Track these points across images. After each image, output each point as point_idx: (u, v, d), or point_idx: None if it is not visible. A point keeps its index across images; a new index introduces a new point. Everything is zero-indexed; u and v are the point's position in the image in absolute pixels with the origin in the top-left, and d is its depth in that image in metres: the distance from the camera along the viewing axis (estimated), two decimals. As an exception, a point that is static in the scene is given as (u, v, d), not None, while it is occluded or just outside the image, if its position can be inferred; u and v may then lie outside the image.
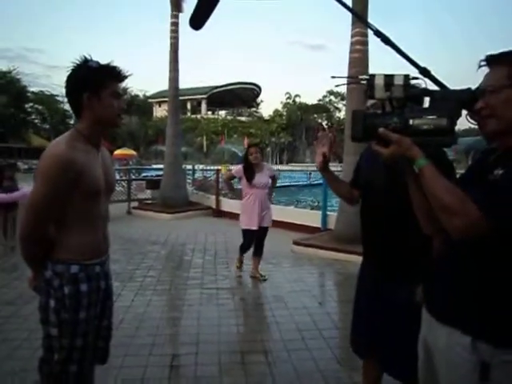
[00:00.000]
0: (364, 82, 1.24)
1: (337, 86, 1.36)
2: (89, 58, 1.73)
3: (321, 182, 8.53)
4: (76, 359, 1.74)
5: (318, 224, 7.94)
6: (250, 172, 4.98)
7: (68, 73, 1.73)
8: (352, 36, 6.70)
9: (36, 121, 44.55)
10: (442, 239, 1.34)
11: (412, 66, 1.46)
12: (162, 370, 3.00)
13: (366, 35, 6.66)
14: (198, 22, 1.83)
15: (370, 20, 6.60)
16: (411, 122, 1.17)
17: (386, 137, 1.18)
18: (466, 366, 1.22)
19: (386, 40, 1.53)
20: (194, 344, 3.41)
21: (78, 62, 1.72)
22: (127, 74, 1.79)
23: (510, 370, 1.18)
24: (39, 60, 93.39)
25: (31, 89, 41.11)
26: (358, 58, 6.61)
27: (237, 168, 5.34)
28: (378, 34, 1.54)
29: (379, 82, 1.20)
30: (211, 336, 3.56)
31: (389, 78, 1.20)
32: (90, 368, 1.91)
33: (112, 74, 1.74)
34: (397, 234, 1.90)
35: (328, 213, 7.94)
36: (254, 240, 5.15)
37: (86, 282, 1.75)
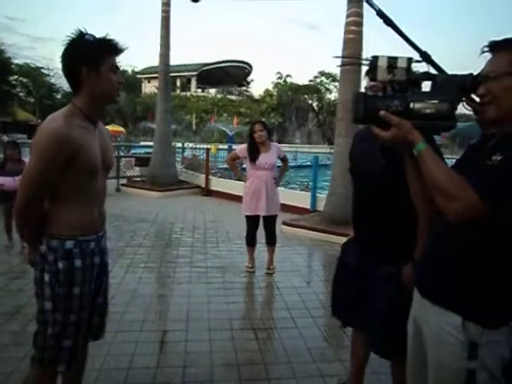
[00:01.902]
0: (366, 62, 1.23)
1: (338, 66, 1.35)
2: (84, 31, 1.70)
3: (310, 163, 8.54)
4: (70, 334, 1.76)
5: (307, 205, 7.99)
6: (253, 151, 4.53)
7: (64, 47, 1.70)
8: (347, 16, 6.61)
9: (21, 94, 43.41)
10: (437, 222, 1.37)
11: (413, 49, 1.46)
12: (153, 345, 3.04)
13: (361, 16, 6.57)
14: None
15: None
16: (412, 105, 1.17)
17: (386, 119, 1.19)
18: (455, 345, 1.26)
19: (388, 21, 1.51)
20: (184, 321, 3.45)
21: (73, 36, 1.69)
22: (124, 47, 1.77)
23: (495, 349, 1.23)
24: (22, 31, 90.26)
25: (15, 61, 39.95)
26: (353, 39, 6.53)
27: (241, 147, 4.83)
28: (380, 14, 1.52)
29: (382, 63, 1.20)
30: (201, 313, 3.61)
31: (392, 60, 1.20)
32: (84, 343, 1.93)
33: (109, 48, 1.72)
34: (388, 217, 1.93)
35: (317, 194, 8.00)
36: (257, 228, 4.73)
37: (81, 257, 1.76)
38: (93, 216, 1.82)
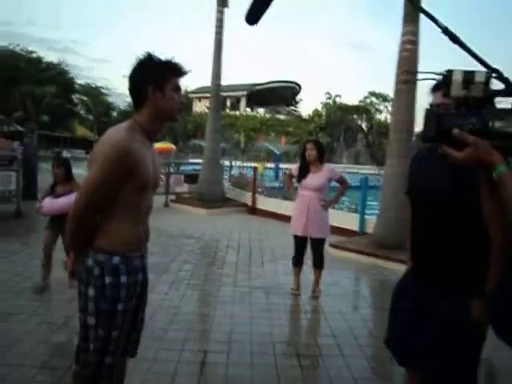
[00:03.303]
0: (437, 77, 1.13)
1: (405, 82, 1.25)
2: (152, 53, 1.79)
3: (358, 184, 8.31)
4: (111, 351, 1.74)
5: (354, 227, 7.75)
6: (302, 171, 4.48)
7: (132, 67, 1.79)
8: (402, 35, 6.47)
9: (81, 112, 46.12)
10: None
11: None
12: (194, 366, 2.97)
13: (416, 34, 6.42)
14: (253, 16, 1.77)
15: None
16: (491, 123, 1.05)
17: (461, 138, 1.07)
18: None
19: (454, 38, 1.41)
20: (226, 342, 3.36)
21: (141, 58, 1.78)
22: (187, 70, 1.84)
23: None
24: (84, 52, 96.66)
25: (78, 81, 42.61)
26: (408, 58, 6.36)
27: (295, 166, 4.84)
28: (445, 31, 1.42)
29: (457, 78, 1.09)
30: (243, 335, 3.51)
31: (469, 75, 1.09)
32: (123, 360, 1.91)
33: (174, 69, 1.80)
34: (455, 243, 1.76)
35: (366, 216, 7.75)
36: (304, 249, 4.61)
37: (126, 274, 1.74)
38: (140, 233, 1.82)
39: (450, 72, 1.11)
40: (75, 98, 43.19)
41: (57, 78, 35.95)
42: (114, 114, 46.80)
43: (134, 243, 1.79)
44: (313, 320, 4.14)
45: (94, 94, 44.96)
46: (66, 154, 34.07)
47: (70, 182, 4.21)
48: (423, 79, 1.39)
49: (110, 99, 45.38)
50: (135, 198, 1.73)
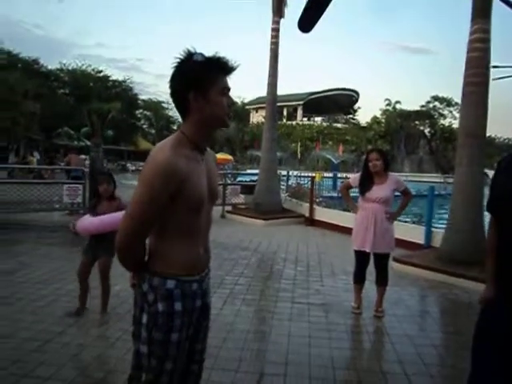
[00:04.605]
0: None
1: (495, 79, 1.02)
2: (193, 50, 1.54)
3: (425, 193, 7.80)
4: (165, 383, 1.59)
5: (420, 240, 7.26)
6: (366, 182, 4.19)
7: (172, 70, 1.57)
8: (471, 33, 5.98)
9: (144, 126, 48.26)
10: None
11: None
12: (249, 389, 2.81)
13: (487, 32, 5.92)
14: (307, 24, 1.59)
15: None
16: None
17: None
18: None
19: None
20: (283, 364, 3.17)
21: (181, 57, 1.55)
22: (235, 65, 1.57)
23: None
24: (149, 70, 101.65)
25: (141, 97, 44.65)
26: (478, 57, 5.87)
27: (354, 176, 4.56)
28: None
29: None
30: (301, 357, 3.30)
31: None
32: None
33: (219, 67, 1.55)
34: None
35: (433, 229, 7.24)
36: (366, 264, 4.32)
37: (181, 300, 1.59)
38: (198, 254, 1.66)
39: None
40: (138, 113, 45.27)
41: (122, 94, 37.82)
42: (174, 127, 48.48)
43: (190, 265, 1.63)
44: (376, 343, 3.83)
45: (156, 108, 46.94)
46: (130, 166, 35.85)
47: (116, 200, 3.90)
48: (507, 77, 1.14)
49: (171, 113, 46.98)
50: (189, 216, 1.57)
